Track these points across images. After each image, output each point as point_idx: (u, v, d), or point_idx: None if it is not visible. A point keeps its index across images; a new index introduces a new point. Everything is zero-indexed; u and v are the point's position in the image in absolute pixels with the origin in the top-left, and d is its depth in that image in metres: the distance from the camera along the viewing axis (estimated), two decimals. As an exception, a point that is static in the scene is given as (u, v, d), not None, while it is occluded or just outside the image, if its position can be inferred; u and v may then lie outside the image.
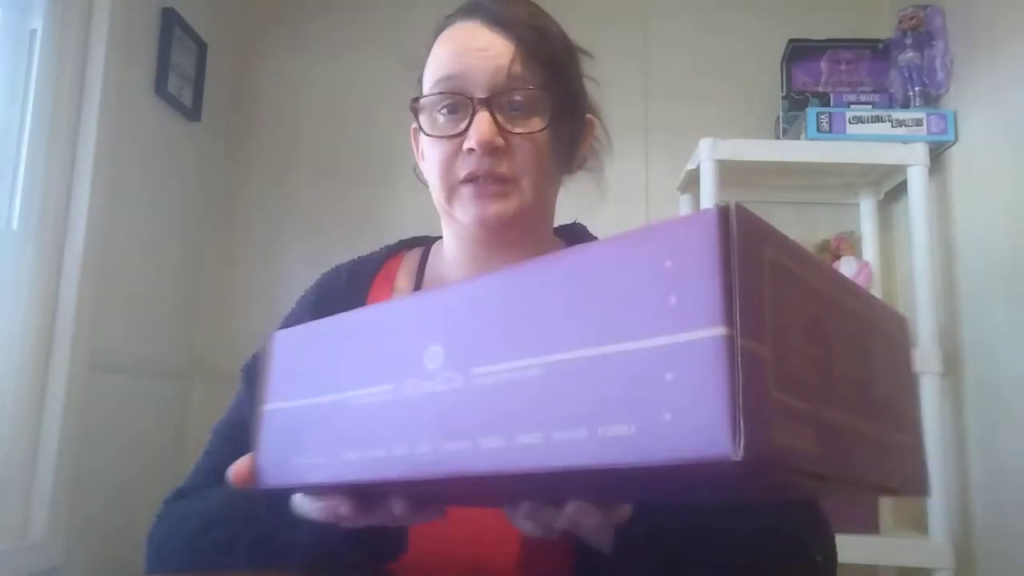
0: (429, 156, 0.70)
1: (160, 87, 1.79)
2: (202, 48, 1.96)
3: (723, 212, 0.29)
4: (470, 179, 0.66)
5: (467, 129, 0.65)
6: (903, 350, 0.41)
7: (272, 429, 0.48)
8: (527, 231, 0.71)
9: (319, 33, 2.17)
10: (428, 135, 0.68)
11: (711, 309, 0.28)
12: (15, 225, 1.43)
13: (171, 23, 1.81)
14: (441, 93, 0.67)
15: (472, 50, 0.67)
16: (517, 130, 0.66)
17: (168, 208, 1.88)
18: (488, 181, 0.66)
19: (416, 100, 0.69)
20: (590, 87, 0.76)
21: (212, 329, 2.04)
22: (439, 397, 0.38)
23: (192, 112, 1.92)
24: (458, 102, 0.66)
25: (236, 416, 0.71)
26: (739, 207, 0.29)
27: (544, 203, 0.72)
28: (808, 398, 0.31)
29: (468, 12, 0.70)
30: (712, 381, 0.28)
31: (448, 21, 0.71)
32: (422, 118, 0.69)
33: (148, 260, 1.79)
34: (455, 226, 0.72)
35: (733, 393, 0.27)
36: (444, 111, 0.68)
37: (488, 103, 0.65)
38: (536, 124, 0.66)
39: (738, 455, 0.27)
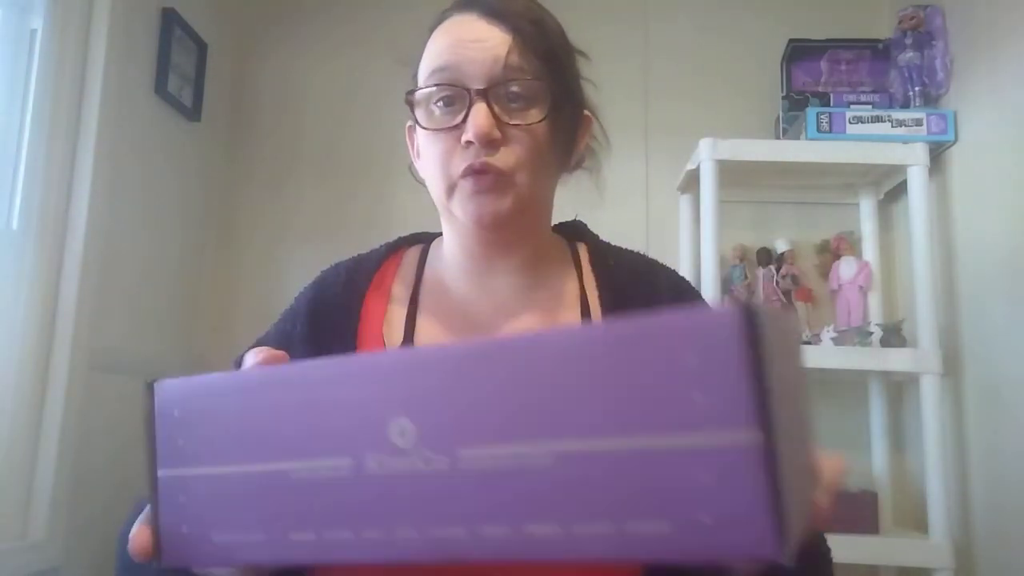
0: (426, 151, 0.69)
1: (160, 87, 1.79)
2: (202, 48, 1.96)
3: (749, 312, 0.29)
4: (468, 173, 0.65)
5: (464, 121, 0.64)
6: (800, 355, 0.40)
7: (178, 499, 0.41)
8: (525, 228, 0.70)
9: (319, 33, 2.17)
10: (424, 128, 0.67)
11: (743, 412, 0.29)
12: (15, 225, 1.43)
13: (171, 23, 1.81)
14: (437, 85, 0.66)
15: (468, 41, 0.65)
16: (515, 121, 0.65)
17: (168, 208, 1.88)
18: (486, 174, 0.65)
19: (411, 93, 0.68)
20: (589, 88, 0.75)
21: (212, 329, 2.04)
22: (417, 479, 0.35)
23: (192, 112, 1.92)
24: (455, 94, 0.65)
25: None
26: (768, 309, 0.30)
27: (541, 198, 0.71)
28: (801, 483, 0.32)
29: (464, 5, 0.69)
30: (752, 485, 0.28)
31: (444, 15, 0.70)
32: (418, 112, 0.68)
33: (148, 260, 1.79)
34: (454, 223, 0.71)
35: (772, 495, 0.28)
36: (440, 104, 0.66)
37: (485, 94, 0.64)
38: (534, 116, 0.66)
39: (783, 554, 0.28)
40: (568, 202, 0.78)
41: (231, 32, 2.14)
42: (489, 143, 0.64)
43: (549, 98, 0.66)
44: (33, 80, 1.47)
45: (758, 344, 0.29)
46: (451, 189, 0.67)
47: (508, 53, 0.64)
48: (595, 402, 0.32)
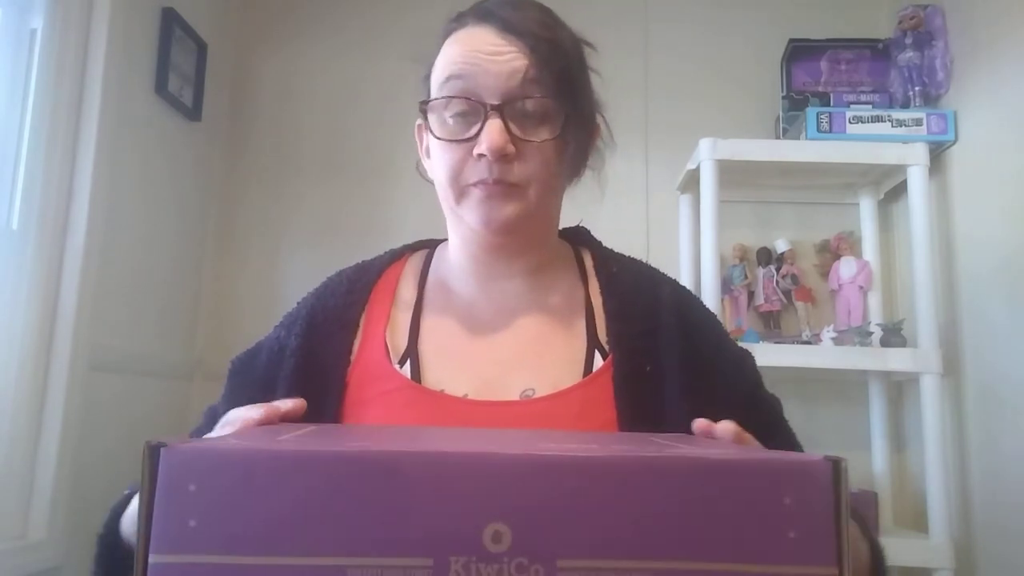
0: (437, 158, 0.69)
1: (160, 87, 1.79)
2: (202, 48, 1.96)
3: (836, 465, 0.35)
4: (479, 184, 0.66)
5: (478, 134, 0.65)
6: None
7: None
8: (532, 236, 0.72)
9: (319, 33, 2.17)
10: (438, 138, 0.67)
11: (828, 551, 0.35)
12: (15, 225, 1.43)
13: (171, 23, 1.81)
14: (452, 97, 0.66)
15: (485, 54, 0.66)
16: (528, 138, 0.66)
17: (168, 208, 1.88)
18: (497, 185, 0.65)
19: (426, 102, 0.68)
20: (595, 81, 0.74)
21: (212, 329, 2.04)
22: None
23: (192, 112, 1.92)
24: (470, 107, 0.66)
25: (215, 411, 0.73)
26: (845, 462, 0.36)
27: (550, 209, 0.72)
28: None
29: (480, 17, 0.68)
30: None
31: (459, 23, 0.70)
32: (431, 119, 0.68)
33: (148, 260, 1.79)
34: (461, 228, 0.72)
35: None
36: (455, 114, 0.67)
37: (500, 110, 0.64)
38: (547, 133, 0.66)
39: None
40: (568, 199, 0.78)
41: (231, 32, 2.14)
42: (502, 158, 0.64)
43: (562, 116, 0.67)
44: (33, 80, 1.46)
45: (841, 493, 0.35)
46: (461, 195, 0.68)
47: (525, 69, 0.65)
48: (696, 527, 0.35)
